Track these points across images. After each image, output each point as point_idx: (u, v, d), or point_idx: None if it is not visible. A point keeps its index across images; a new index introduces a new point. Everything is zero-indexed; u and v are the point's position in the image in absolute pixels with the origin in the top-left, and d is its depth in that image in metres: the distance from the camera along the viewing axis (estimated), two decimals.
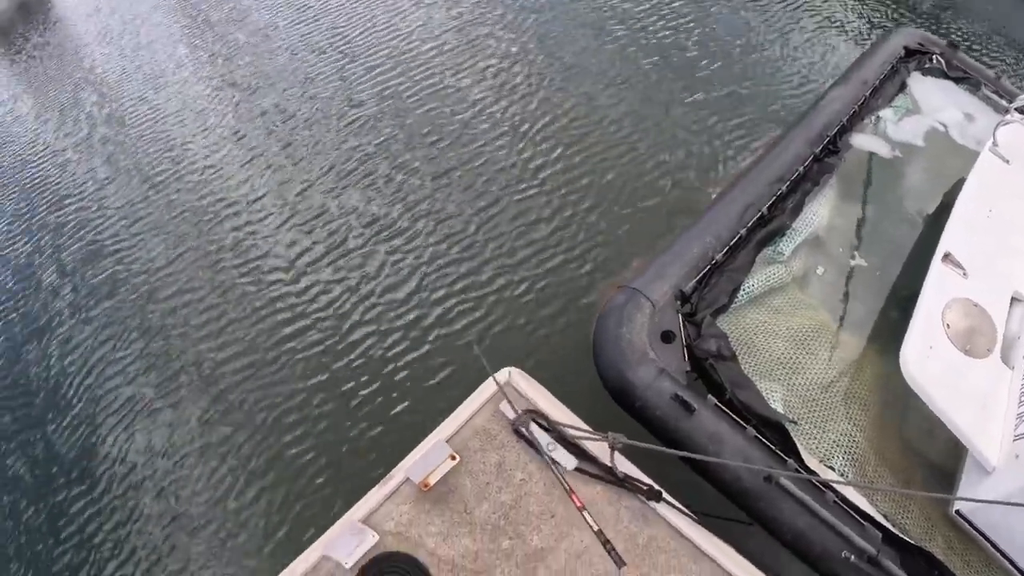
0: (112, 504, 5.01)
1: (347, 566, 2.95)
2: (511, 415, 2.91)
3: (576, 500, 2.61)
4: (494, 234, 5.04)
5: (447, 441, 2.93)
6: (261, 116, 7.35)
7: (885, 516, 3.32)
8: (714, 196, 4.24)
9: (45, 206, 7.93)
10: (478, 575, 2.88)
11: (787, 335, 3.76)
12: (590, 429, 2.92)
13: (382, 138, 6.22)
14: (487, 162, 5.58)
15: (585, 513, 2.57)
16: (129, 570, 4.71)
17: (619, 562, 2.40)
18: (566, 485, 2.64)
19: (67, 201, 7.82)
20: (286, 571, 3.01)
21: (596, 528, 2.53)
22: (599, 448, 2.96)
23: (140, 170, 7.57)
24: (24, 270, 7.33)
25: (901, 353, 3.38)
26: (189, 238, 6.45)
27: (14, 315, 6.83)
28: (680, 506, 3.04)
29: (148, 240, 6.69)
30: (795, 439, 3.34)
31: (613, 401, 3.37)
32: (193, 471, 4.87)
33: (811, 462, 3.40)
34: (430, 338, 4.73)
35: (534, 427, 2.89)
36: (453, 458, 2.94)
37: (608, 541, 2.49)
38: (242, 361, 5.24)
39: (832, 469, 3.48)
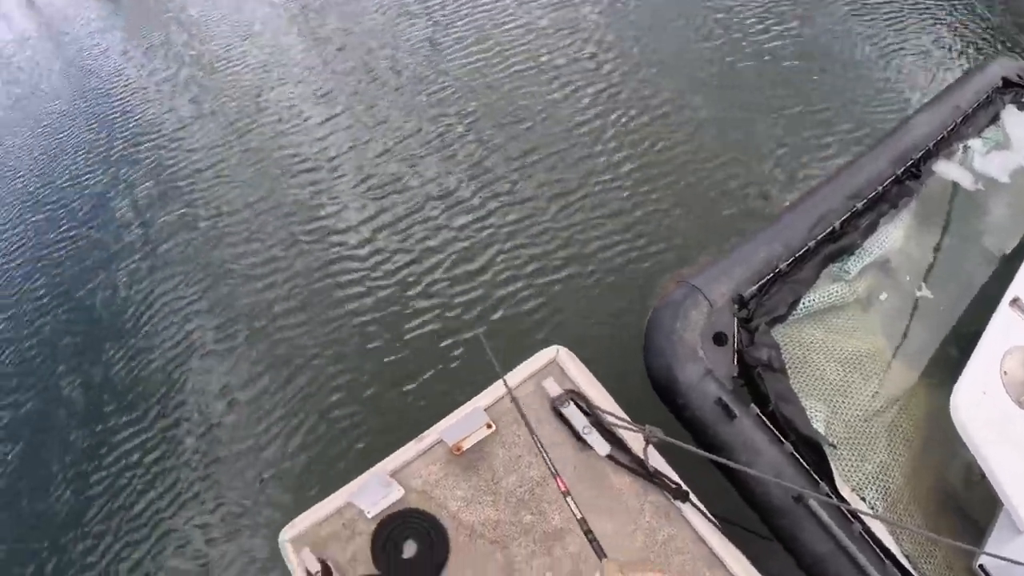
0: (158, 436, 5.16)
1: (369, 516, 2.98)
2: (553, 393, 2.89)
3: (561, 484, 2.56)
4: (570, 222, 4.91)
5: (485, 410, 2.93)
6: (347, 75, 7.27)
7: (908, 557, 3.22)
8: (787, 203, 4.13)
9: (123, 140, 8.06)
10: (495, 544, 2.89)
11: (840, 356, 3.65)
12: (628, 419, 2.88)
13: (467, 112, 6.09)
14: (571, 149, 5.42)
15: (568, 499, 2.52)
16: (165, 501, 4.86)
17: (600, 553, 2.35)
18: (552, 468, 2.59)
19: (145, 138, 7.93)
20: (309, 511, 3.06)
21: (580, 516, 2.47)
22: (634, 439, 2.92)
23: (223, 116, 7.61)
24: (99, 200, 7.49)
25: (953, 394, 3.26)
26: (262, 189, 6.46)
27: (84, 241, 7.02)
28: (704, 510, 2.99)
29: (221, 186, 6.73)
30: (831, 463, 3.26)
31: (656, 395, 3.33)
32: (239, 417, 4.96)
33: (843, 489, 3.31)
34: (493, 318, 4.66)
35: (573, 408, 2.86)
36: (489, 427, 2.94)
37: (590, 531, 2.42)
38: (299, 317, 5.29)
39: (863, 500, 3.39)
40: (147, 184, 7.22)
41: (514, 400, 2.79)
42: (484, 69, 6.49)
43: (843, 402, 3.62)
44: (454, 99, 6.32)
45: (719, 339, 3.26)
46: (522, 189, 5.25)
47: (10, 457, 5.82)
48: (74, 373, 6.01)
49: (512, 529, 2.86)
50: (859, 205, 3.76)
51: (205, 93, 8.08)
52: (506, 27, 6.94)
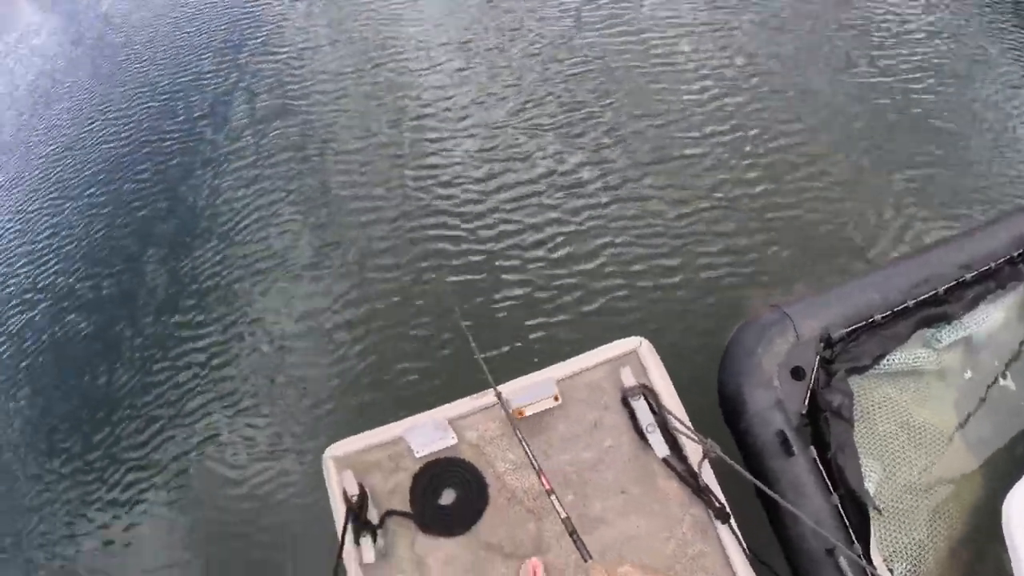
0: (227, 344, 5.26)
1: (417, 455, 3.01)
2: (627, 383, 2.86)
3: (544, 481, 2.54)
4: (682, 231, 4.71)
5: (557, 382, 2.92)
6: (488, 30, 7.01)
7: None
8: (896, 256, 4.00)
9: (252, 49, 8.07)
10: (530, 514, 2.89)
11: (907, 422, 3.54)
12: (692, 427, 2.84)
13: (601, 96, 5.81)
14: (701, 157, 5.15)
15: (553, 498, 2.49)
16: (220, 408, 4.97)
17: (585, 556, 2.34)
18: (536, 464, 2.57)
19: (274, 51, 7.90)
20: (360, 435, 3.11)
21: (564, 515, 2.42)
22: (693, 449, 2.88)
23: (355, 46, 7.48)
24: (216, 101, 7.55)
25: (1009, 494, 3.15)
26: (380, 127, 6.33)
27: (195, 139, 7.13)
28: (740, 537, 2.96)
29: (340, 115, 6.65)
30: (872, 526, 3.18)
31: (721, 411, 3.29)
32: (311, 345, 5.00)
33: (876, 556, 3.23)
34: (583, 312, 4.49)
35: (643, 403, 2.83)
36: (556, 399, 2.93)
37: (575, 531, 2.36)
38: (389, 261, 5.24)
39: (891, 572, 3.30)
40: (267, 97, 7.22)
41: (502, 403, 2.79)
42: (627, 55, 6.17)
43: (898, 469, 3.52)
44: (590, 79, 6.05)
45: (797, 373, 3.19)
46: (643, 188, 5.04)
47: (84, 331, 6.01)
48: (161, 263, 6.12)
49: (551, 505, 2.85)
50: (968, 276, 3.62)
51: (341, 19, 7.98)
52: (658, 17, 6.54)
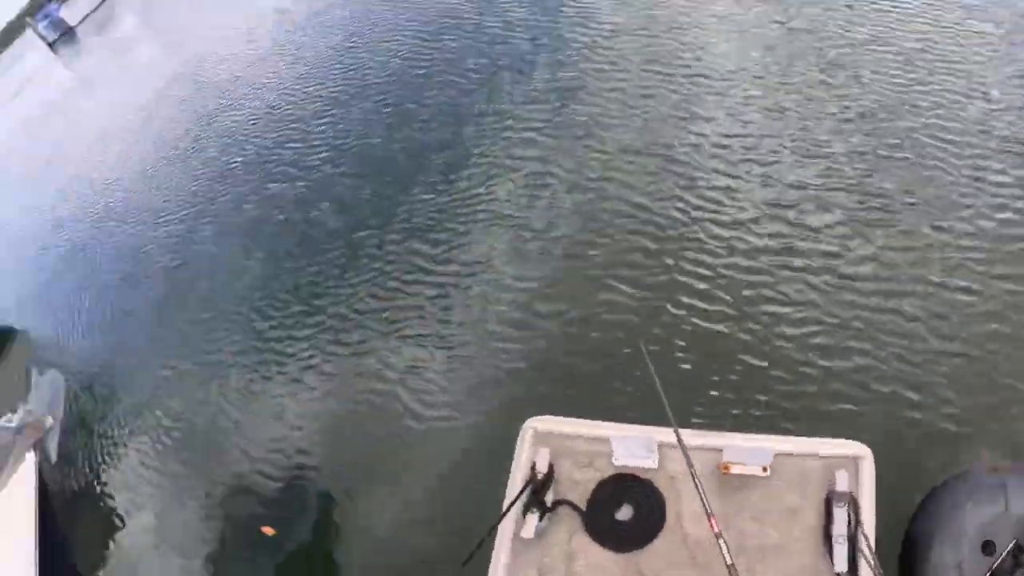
0: (459, 292, 5.54)
1: (615, 461, 3.14)
2: (839, 487, 2.87)
3: (714, 524, 2.62)
4: (946, 366, 4.18)
5: (774, 454, 2.97)
6: (813, 83, 6.28)
7: None
8: None
9: (568, 19, 8.08)
10: (693, 563, 2.95)
11: None
12: (876, 556, 2.83)
13: (910, 197, 5.09)
14: (991, 298, 4.44)
15: (721, 541, 2.57)
16: (434, 346, 5.24)
17: None
18: (707, 506, 2.62)
19: (588, 28, 7.82)
20: (567, 419, 3.30)
21: (730, 562, 2.51)
22: (865, 572, 2.87)
23: (675, 53, 7.15)
24: (520, 58, 7.75)
25: None
26: (676, 147, 6.04)
27: (492, 90, 7.43)
28: None
29: (638, 118, 6.48)
30: None
31: (902, 545, 3.27)
32: (536, 327, 5.14)
33: None
34: (808, 397, 4.21)
35: (844, 512, 2.83)
36: (765, 470, 2.99)
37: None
38: (638, 289, 5.13)
39: None
40: (570, 71, 7.26)
41: (682, 444, 2.75)
42: (948, 155, 5.27)
43: None
44: (899, 169, 5.27)
45: (987, 547, 3.11)
46: (916, 302, 4.52)
47: (331, 224, 6.52)
48: (424, 191, 6.46)
49: (713, 568, 2.83)
50: None
51: (664, 17, 7.70)
52: (998, 126, 5.39)
